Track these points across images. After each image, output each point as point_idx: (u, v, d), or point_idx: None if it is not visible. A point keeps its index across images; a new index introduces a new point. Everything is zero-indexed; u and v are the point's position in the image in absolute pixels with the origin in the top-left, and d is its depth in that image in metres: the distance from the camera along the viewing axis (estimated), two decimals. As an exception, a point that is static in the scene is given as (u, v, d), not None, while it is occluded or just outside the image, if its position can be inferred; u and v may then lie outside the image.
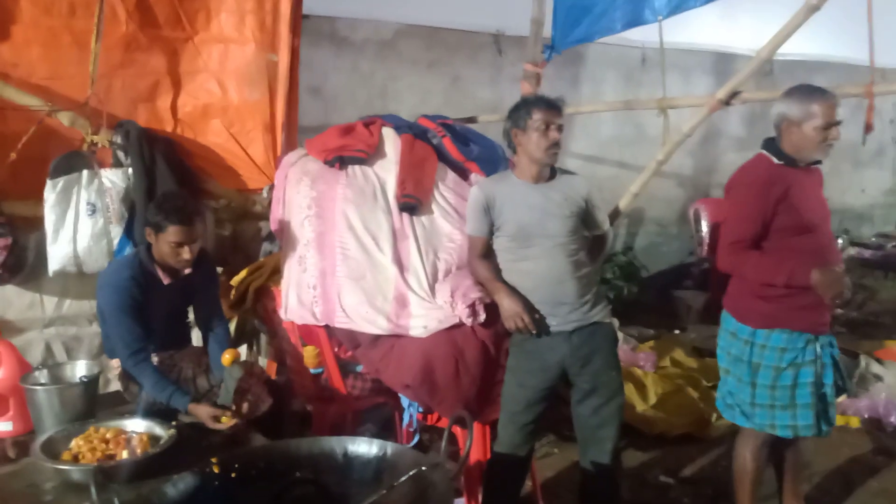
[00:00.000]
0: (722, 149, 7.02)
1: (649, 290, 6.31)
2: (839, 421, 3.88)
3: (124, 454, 2.15)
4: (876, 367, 4.44)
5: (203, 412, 2.45)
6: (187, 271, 2.70)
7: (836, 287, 2.46)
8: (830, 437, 2.78)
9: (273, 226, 3.24)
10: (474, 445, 2.75)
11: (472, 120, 4.30)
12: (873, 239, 6.89)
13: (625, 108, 4.91)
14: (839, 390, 2.73)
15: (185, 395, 2.50)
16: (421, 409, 2.85)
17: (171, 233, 2.56)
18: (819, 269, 2.46)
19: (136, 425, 2.32)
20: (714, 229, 6.10)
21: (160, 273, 2.68)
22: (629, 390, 4.03)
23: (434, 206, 3.04)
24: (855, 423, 3.98)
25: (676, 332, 5.68)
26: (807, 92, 2.57)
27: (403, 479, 1.61)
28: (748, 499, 2.84)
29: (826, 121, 2.52)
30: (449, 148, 3.28)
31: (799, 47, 4.41)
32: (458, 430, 2.82)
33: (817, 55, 6.73)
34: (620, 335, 4.73)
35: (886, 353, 4.74)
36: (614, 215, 3.72)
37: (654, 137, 5.05)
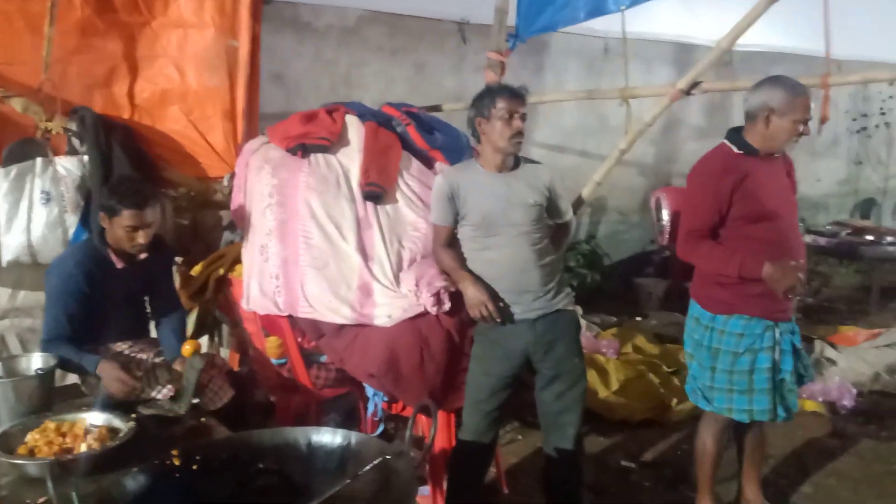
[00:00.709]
0: (683, 138, 7.12)
1: (612, 277, 6.39)
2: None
3: (82, 447, 2.11)
4: (830, 352, 4.57)
5: (109, 371, 2.47)
6: (142, 256, 2.67)
7: (786, 281, 2.50)
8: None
9: (234, 214, 3.20)
10: (439, 433, 2.76)
11: (436, 108, 4.29)
12: (828, 227, 7.06)
13: (587, 98, 4.93)
14: (801, 378, 2.78)
15: (93, 356, 2.53)
16: (385, 399, 2.85)
17: (125, 217, 2.55)
18: (771, 263, 2.51)
19: (95, 418, 2.27)
20: (675, 218, 6.20)
21: (114, 257, 2.66)
22: (592, 377, 4.08)
23: (398, 195, 3.03)
24: (810, 406, 4.08)
25: (638, 319, 5.77)
26: (792, 84, 2.61)
27: (367, 468, 1.60)
28: (708, 480, 2.92)
29: (805, 115, 2.58)
30: (413, 136, 3.27)
31: (758, 38, 4.49)
32: (422, 418, 2.83)
33: (775, 46, 6.85)
34: (583, 322, 4.79)
35: (840, 337, 4.88)
36: (577, 204, 3.75)
37: (616, 127, 5.11)
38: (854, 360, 4.50)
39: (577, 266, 6.08)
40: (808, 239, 6.73)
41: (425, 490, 2.83)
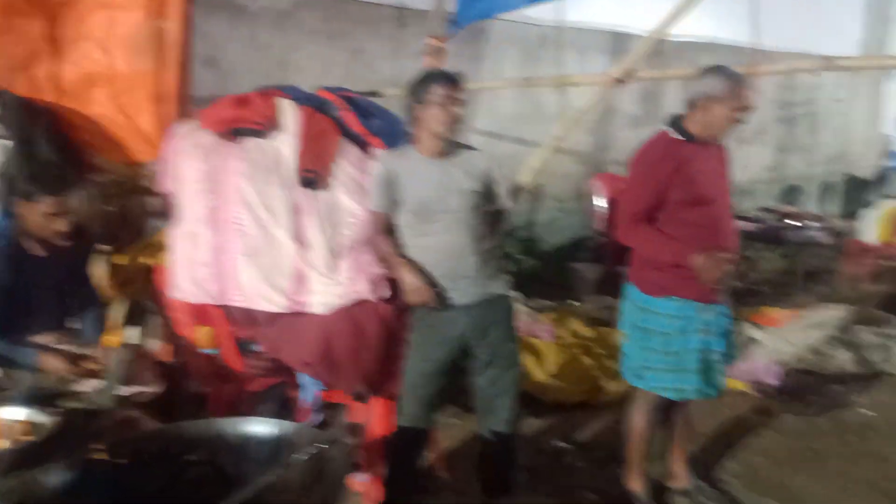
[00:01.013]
0: (617, 126, 7.25)
1: (549, 263, 6.48)
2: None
3: (1, 444, 2.03)
4: (756, 333, 4.75)
5: (53, 364, 2.42)
6: (63, 244, 2.59)
7: (713, 272, 2.60)
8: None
9: (162, 201, 3.11)
10: (377, 420, 2.76)
11: (374, 93, 4.25)
12: (755, 212, 7.32)
13: (525, 86, 4.98)
14: (729, 358, 2.91)
15: (28, 349, 2.47)
16: (322, 387, 2.83)
17: (44, 203, 2.48)
18: (701, 254, 2.60)
19: (15, 413, 2.19)
20: (611, 204, 6.31)
21: (32, 244, 2.57)
22: (528, 360, 4.14)
23: (335, 181, 2.99)
24: (737, 385, 4.22)
25: (574, 303, 5.86)
26: (731, 74, 2.70)
27: (300, 456, 1.60)
28: (638, 459, 3.01)
29: (743, 104, 2.68)
30: (350, 121, 3.23)
31: (689, 29, 4.60)
32: (359, 405, 2.82)
33: (706, 37, 7.03)
34: (521, 307, 4.85)
35: (766, 319, 5.07)
36: (515, 191, 3.78)
37: (553, 114, 5.17)
38: (779, 341, 4.69)
39: (515, 252, 6.14)
40: (737, 224, 6.97)
41: (363, 477, 2.83)
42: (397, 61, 5.61)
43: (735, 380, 4.24)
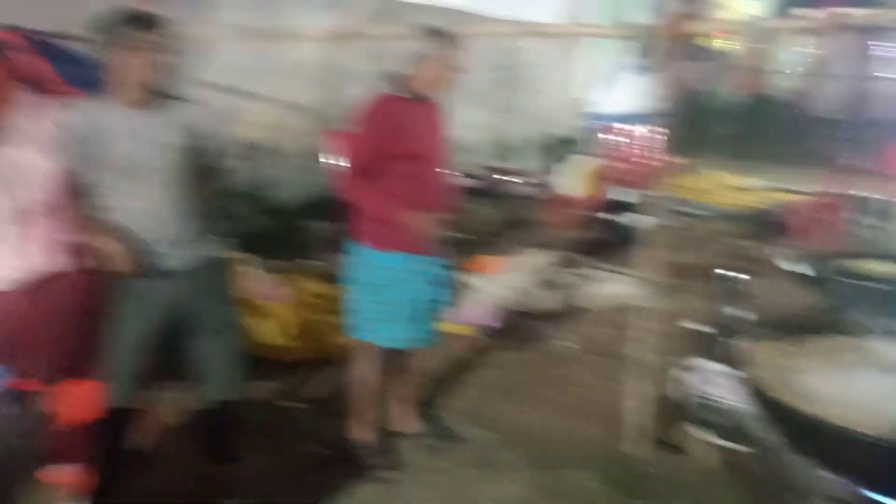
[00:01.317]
0: (345, 82, 7.24)
1: (280, 221, 6.35)
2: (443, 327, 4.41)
3: None
4: (473, 279, 5.13)
5: None
6: None
7: (427, 228, 2.77)
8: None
9: None
10: (80, 403, 2.48)
11: (65, 35, 3.76)
12: (474, 169, 7.89)
13: (248, 37, 4.75)
14: (446, 305, 3.11)
15: None
16: (10, 374, 2.49)
17: None
18: (413, 213, 2.74)
19: None
20: (341, 161, 6.32)
21: None
22: (261, 322, 4.05)
23: (16, 136, 2.58)
24: (458, 328, 4.51)
25: (307, 261, 5.82)
26: (444, 34, 2.83)
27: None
28: (365, 408, 3.13)
29: (455, 62, 2.83)
30: (35, 66, 2.84)
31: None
32: (56, 390, 2.53)
33: (429, -1, 7.26)
34: (252, 268, 4.69)
35: (481, 265, 5.49)
36: (236, 146, 3.62)
37: (277, 68, 5.01)
38: (494, 286, 5.11)
39: (243, 211, 5.92)
40: (455, 179, 7.45)
41: (64, 468, 2.54)
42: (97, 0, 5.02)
43: (457, 324, 4.53)
